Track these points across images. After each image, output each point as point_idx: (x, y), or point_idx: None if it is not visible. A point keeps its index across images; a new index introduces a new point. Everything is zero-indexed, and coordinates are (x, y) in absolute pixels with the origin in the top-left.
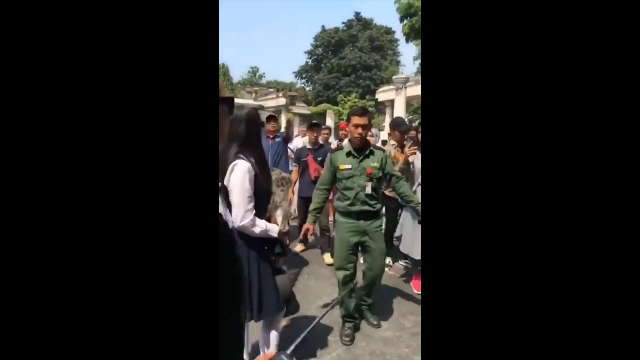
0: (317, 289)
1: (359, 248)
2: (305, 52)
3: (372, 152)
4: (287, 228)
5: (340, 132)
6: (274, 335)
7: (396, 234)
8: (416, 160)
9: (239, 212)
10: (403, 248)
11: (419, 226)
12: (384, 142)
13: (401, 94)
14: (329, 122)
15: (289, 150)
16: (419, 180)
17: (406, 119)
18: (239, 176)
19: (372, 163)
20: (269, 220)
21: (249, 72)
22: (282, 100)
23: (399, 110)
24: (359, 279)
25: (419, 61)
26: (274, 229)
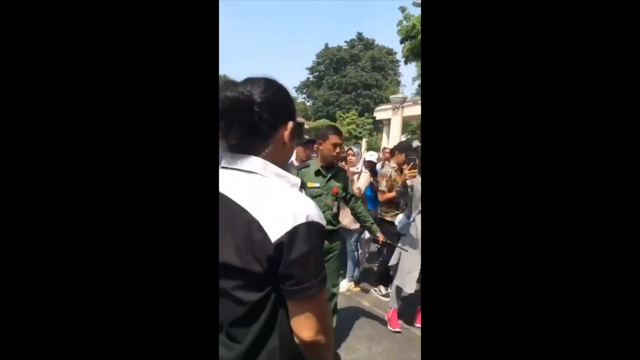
0: None
1: None
2: (307, 69)
3: (338, 172)
4: None
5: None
6: None
7: (391, 262)
8: (415, 183)
9: None
10: (398, 280)
11: (418, 259)
12: (370, 163)
13: (398, 114)
14: None
15: None
16: (419, 207)
17: (404, 138)
18: None
19: (338, 182)
20: None
21: None
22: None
23: (395, 130)
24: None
25: (418, 82)
26: None
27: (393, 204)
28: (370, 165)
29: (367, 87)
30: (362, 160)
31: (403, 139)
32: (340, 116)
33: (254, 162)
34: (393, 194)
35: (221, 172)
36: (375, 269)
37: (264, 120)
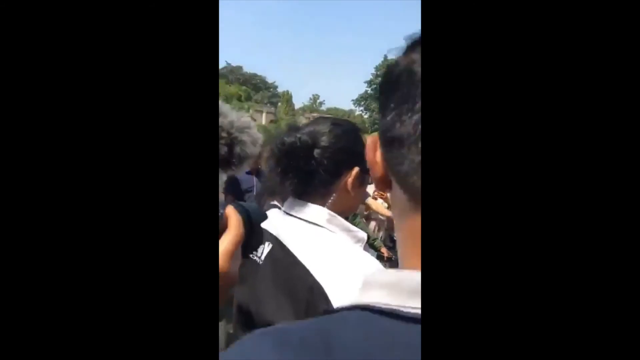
0: None
1: None
2: (365, 82)
3: None
4: None
5: None
6: None
7: None
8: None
9: None
10: None
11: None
12: None
13: None
14: None
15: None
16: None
17: None
18: None
19: None
20: None
21: (310, 99)
22: None
23: None
24: None
25: None
26: None
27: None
28: None
29: None
30: None
31: None
32: None
33: (318, 213)
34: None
35: (282, 217)
36: None
37: (322, 166)
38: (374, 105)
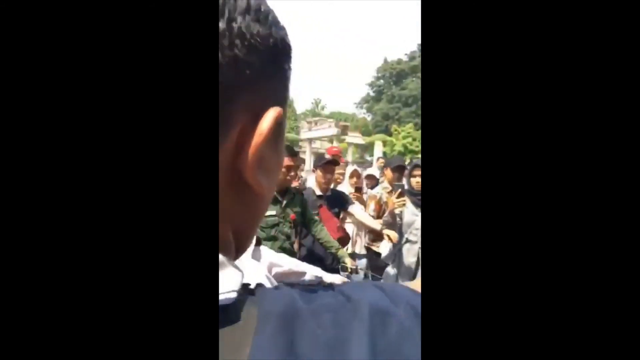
0: None
1: None
2: (366, 84)
3: (294, 196)
4: None
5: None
6: None
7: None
8: (405, 211)
9: None
10: None
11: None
12: (371, 178)
13: None
14: (378, 153)
15: None
16: (406, 235)
17: None
18: None
19: (295, 208)
20: None
21: (312, 103)
22: (333, 130)
23: None
24: None
25: None
26: None
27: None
28: (372, 182)
29: None
30: (362, 176)
31: None
32: (396, 129)
33: None
34: (378, 226)
35: None
36: None
37: None
38: (377, 107)
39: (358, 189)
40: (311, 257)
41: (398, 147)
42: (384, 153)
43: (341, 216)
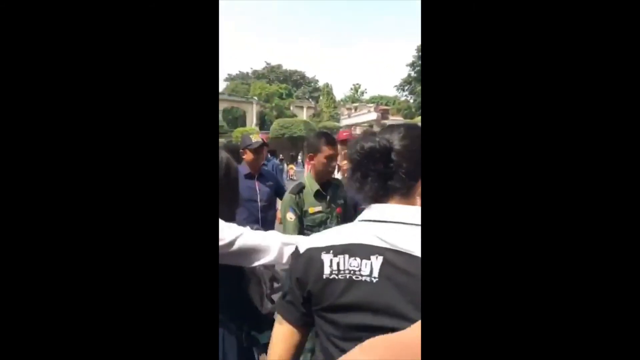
0: None
1: None
2: (407, 65)
3: (337, 187)
4: None
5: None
6: None
7: None
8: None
9: None
10: None
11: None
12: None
13: None
14: None
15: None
16: None
17: None
18: None
19: (340, 200)
20: None
21: (352, 89)
22: (373, 115)
23: None
24: None
25: None
26: None
27: None
28: None
29: None
30: None
31: None
32: None
33: (418, 213)
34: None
35: (373, 226)
36: None
37: (402, 168)
38: (419, 88)
39: None
40: None
41: None
42: None
43: None
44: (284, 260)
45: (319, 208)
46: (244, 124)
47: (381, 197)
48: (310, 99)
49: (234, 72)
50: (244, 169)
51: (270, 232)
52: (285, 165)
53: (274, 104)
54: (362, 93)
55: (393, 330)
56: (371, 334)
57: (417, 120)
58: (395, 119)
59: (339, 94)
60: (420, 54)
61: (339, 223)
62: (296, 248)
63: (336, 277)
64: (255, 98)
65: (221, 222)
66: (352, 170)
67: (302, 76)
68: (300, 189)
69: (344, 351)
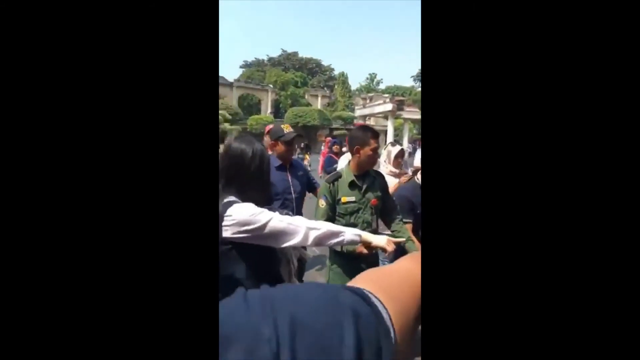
0: None
1: None
2: None
3: (375, 179)
4: None
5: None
6: None
7: None
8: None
9: None
10: None
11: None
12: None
13: None
14: None
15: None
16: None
17: None
18: None
19: (376, 192)
20: None
21: (367, 78)
22: (388, 106)
23: None
24: None
25: None
26: None
27: None
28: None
29: None
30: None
31: None
32: None
33: None
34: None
35: None
36: None
37: None
38: None
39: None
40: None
41: None
42: None
43: None
44: (309, 242)
45: (352, 198)
46: (258, 112)
47: None
48: (325, 88)
49: (250, 58)
50: (275, 160)
51: (297, 217)
52: (303, 154)
53: (289, 92)
54: (378, 83)
55: None
56: None
57: None
58: (411, 110)
59: (355, 83)
60: None
61: (372, 215)
62: None
63: None
64: (271, 85)
65: (255, 207)
66: None
67: (318, 64)
68: (336, 177)
69: None
